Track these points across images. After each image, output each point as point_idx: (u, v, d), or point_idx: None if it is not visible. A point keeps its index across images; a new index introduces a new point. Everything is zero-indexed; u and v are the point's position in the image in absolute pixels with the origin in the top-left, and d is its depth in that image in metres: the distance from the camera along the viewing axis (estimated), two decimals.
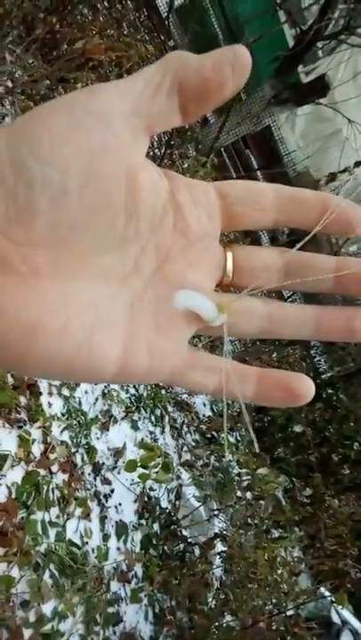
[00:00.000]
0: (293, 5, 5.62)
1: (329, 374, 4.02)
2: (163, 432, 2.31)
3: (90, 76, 2.56)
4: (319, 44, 4.98)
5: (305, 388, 0.25)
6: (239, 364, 0.26)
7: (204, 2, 4.82)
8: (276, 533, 2.62)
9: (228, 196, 0.24)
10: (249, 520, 2.37)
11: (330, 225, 0.24)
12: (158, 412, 2.41)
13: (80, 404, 1.90)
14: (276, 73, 4.58)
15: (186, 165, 3.22)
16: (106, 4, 3.41)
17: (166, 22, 4.61)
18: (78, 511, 1.70)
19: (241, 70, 0.21)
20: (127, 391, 2.26)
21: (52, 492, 1.63)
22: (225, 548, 2.01)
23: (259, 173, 5.03)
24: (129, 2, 3.97)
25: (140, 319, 0.23)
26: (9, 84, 2.07)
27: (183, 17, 4.86)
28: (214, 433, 2.58)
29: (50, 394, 1.77)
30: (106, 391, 2.09)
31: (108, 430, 2.00)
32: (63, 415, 1.80)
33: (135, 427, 2.15)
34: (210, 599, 1.95)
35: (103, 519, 1.80)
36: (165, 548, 2.00)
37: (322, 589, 2.58)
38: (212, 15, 4.99)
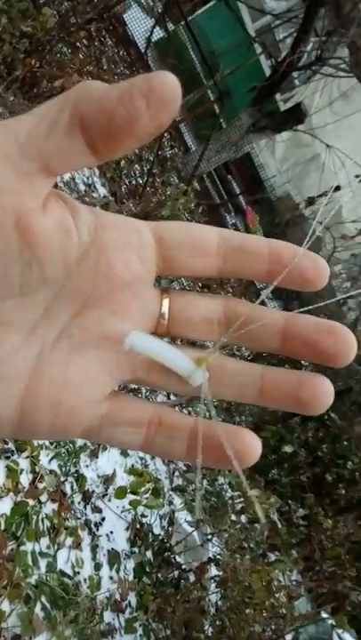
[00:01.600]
0: (268, 38, 5.85)
1: None
2: (153, 457, 2.30)
3: None
4: (295, 74, 5.18)
5: (246, 448, 0.22)
6: (171, 414, 0.23)
7: (181, 36, 5.01)
8: (272, 557, 2.59)
9: (165, 238, 0.22)
10: (244, 544, 2.35)
11: (284, 280, 0.22)
12: None
13: None
14: (253, 102, 4.74)
15: (168, 193, 3.30)
16: (85, 42, 3.54)
17: (145, 57, 4.78)
18: (69, 541, 1.69)
19: (160, 103, 0.17)
20: None
21: (42, 522, 1.62)
22: (219, 573, 1.99)
23: (241, 198, 5.15)
24: (108, 39, 4.12)
25: (47, 372, 0.21)
26: None
27: (161, 51, 5.04)
28: None
29: None
30: None
31: (97, 457, 1.99)
32: (51, 444, 1.79)
33: (125, 453, 2.14)
34: (206, 626, 1.92)
35: (95, 548, 1.78)
36: (159, 575, 1.97)
37: (322, 613, 2.54)
38: (190, 49, 5.18)
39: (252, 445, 0.22)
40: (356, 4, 4.45)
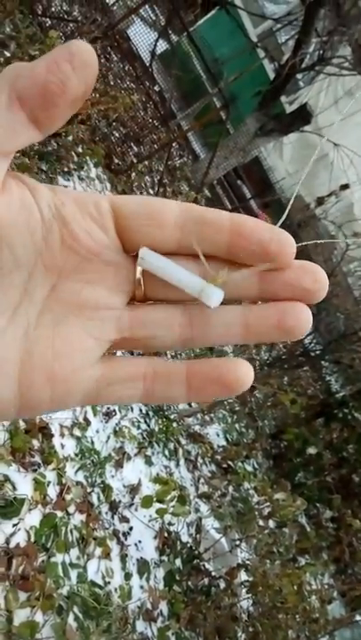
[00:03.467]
0: (270, 42, 5.88)
1: (342, 394, 3.99)
2: (178, 465, 2.31)
3: (80, 128, 2.70)
4: (299, 75, 5.19)
5: (239, 375, 0.23)
6: (164, 364, 0.24)
7: (184, 47, 5.06)
8: (303, 561, 2.57)
9: (121, 208, 0.23)
10: (273, 548, 2.34)
11: (245, 254, 0.22)
12: (171, 445, 2.42)
13: (92, 443, 1.92)
14: (259, 106, 4.76)
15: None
16: None
17: (150, 69, 4.84)
18: (98, 551, 1.70)
19: (83, 65, 0.19)
20: (138, 427, 2.29)
21: (71, 534, 1.64)
22: (249, 579, 1.99)
23: (253, 202, 5.16)
24: (113, 55, 4.19)
25: (36, 348, 0.22)
26: None
27: (166, 63, 5.10)
28: (230, 462, 2.58)
29: (62, 435, 1.80)
30: (117, 429, 2.12)
31: (122, 467, 2.01)
32: (76, 455, 1.82)
33: (149, 462, 2.16)
34: (239, 633, 1.91)
35: (124, 558, 1.80)
36: (189, 583, 1.98)
37: (357, 616, 2.50)
38: (194, 59, 5.23)
39: (243, 372, 0.23)
40: (355, 2, 4.45)
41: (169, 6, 4.10)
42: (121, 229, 0.23)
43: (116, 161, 3.11)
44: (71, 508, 1.69)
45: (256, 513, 2.32)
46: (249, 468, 2.82)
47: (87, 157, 2.73)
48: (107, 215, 0.22)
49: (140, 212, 0.23)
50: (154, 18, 5.36)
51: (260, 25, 5.89)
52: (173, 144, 3.84)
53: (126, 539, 1.87)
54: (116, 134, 3.33)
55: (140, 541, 1.92)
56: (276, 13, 5.59)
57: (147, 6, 4.73)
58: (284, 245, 0.22)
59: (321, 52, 4.26)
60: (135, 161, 3.25)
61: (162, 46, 5.10)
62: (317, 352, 3.27)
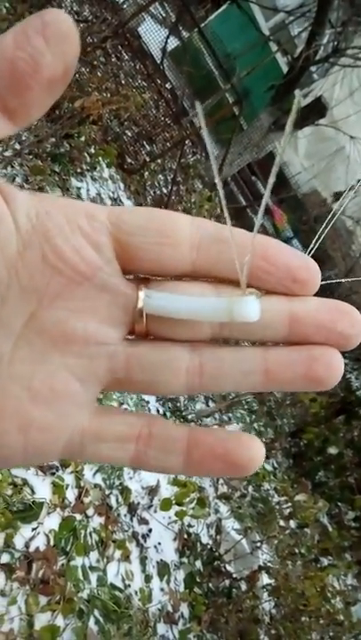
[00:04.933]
0: (283, 35, 5.81)
1: None
2: None
3: (92, 129, 2.69)
4: (313, 68, 5.11)
5: (250, 455, 0.19)
6: (163, 425, 0.20)
7: (195, 43, 5.03)
8: (325, 562, 2.53)
9: (123, 221, 0.19)
10: (295, 549, 2.31)
11: (269, 281, 0.19)
12: None
13: None
14: (273, 100, 4.71)
15: (193, 200, 3.31)
16: (102, 60, 3.60)
17: (161, 67, 4.82)
18: (118, 554, 1.70)
19: (59, 37, 0.16)
20: None
21: (90, 537, 1.63)
22: (271, 581, 1.96)
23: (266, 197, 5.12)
24: (124, 54, 4.18)
25: (9, 389, 0.19)
26: (17, 146, 2.19)
27: (177, 60, 5.08)
28: None
29: None
30: None
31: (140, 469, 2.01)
32: None
33: None
34: (261, 635, 1.89)
35: (144, 560, 1.79)
36: (210, 585, 1.96)
37: None
38: (206, 54, 5.19)
39: (255, 451, 0.20)
40: None
41: (179, 3, 4.07)
42: (122, 247, 0.19)
43: (129, 160, 3.10)
44: (90, 511, 1.69)
45: (277, 513, 2.29)
46: (269, 468, 2.79)
47: (100, 158, 2.72)
48: (102, 230, 0.19)
49: (149, 228, 0.19)
50: (164, 15, 5.34)
51: (273, 18, 5.82)
52: (186, 141, 3.81)
53: (146, 541, 1.86)
54: (129, 133, 3.32)
55: (159, 543, 1.90)
56: (288, 5, 5.51)
57: (157, 3, 4.71)
58: (313, 273, 0.19)
59: (335, 43, 4.19)
60: (148, 160, 3.24)
61: (173, 43, 5.08)
62: None
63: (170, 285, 0.20)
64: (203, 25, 4.89)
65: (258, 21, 5.43)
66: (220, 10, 5.47)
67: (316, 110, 4.71)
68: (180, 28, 5.10)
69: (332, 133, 4.99)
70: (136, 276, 0.20)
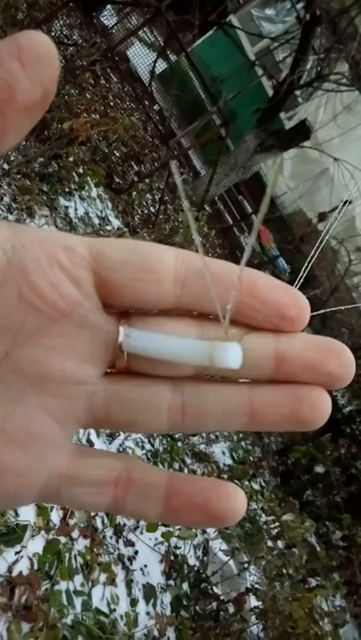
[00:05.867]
0: (268, 60, 5.96)
1: (349, 409, 3.96)
2: None
3: (81, 149, 2.72)
4: (298, 92, 5.24)
5: (230, 506, 0.19)
6: (143, 470, 0.20)
7: (183, 66, 5.13)
8: (313, 582, 2.51)
9: (104, 256, 0.18)
10: (283, 570, 2.29)
11: (257, 317, 0.19)
12: (177, 465, 2.38)
13: None
14: (258, 123, 4.81)
15: (180, 219, 3.35)
16: (91, 82, 3.66)
17: (149, 89, 4.90)
18: (103, 577, 1.67)
19: (36, 61, 0.15)
20: (142, 447, 2.26)
21: (75, 560, 1.60)
22: (258, 603, 1.94)
23: (253, 217, 5.19)
24: (113, 76, 4.25)
25: None
26: (5, 166, 2.21)
27: (165, 82, 5.17)
28: (237, 481, 2.53)
29: None
30: (121, 449, 2.09)
31: None
32: None
33: None
34: None
35: (129, 583, 1.76)
36: (197, 608, 1.93)
37: None
38: (193, 78, 5.30)
39: (236, 502, 0.19)
40: (351, 21, 4.52)
41: (167, 27, 4.17)
42: (103, 282, 0.18)
43: (117, 180, 3.13)
44: (75, 534, 1.66)
45: (265, 533, 2.28)
46: (256, 487, 2.78)
47: (88, 177, 2.75)
48: (82, 264, 0.18)
49: (131, 263, 0.18)
50: (152, 39, 5.45)
51: (258, 44, 5.98)
52: (174, 161, 3.86)
53: (132, 563, 1.83)
54: (117, 154, 3.36)
55: (145, 566, 1.88)
56: (272, 32, 5.67)
57: (145, 28, 4.81)
58: (303, 310, 0.19)
59: (318, 68, 4.31)
60: (136, 180, 3.27)
61: (161, 66, 5.17)
62: None
63: (152, 322, 0.19)
64: (190, 49, 4.99)
65: (244, 47, 5.57)
66: (207, 35, 5.61)
67: (300, 133, 4.81)
68: (168, 52, 5.21)
69: (317, 155, 5.10)
70: (119, 311, 0.19)
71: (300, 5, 5.31)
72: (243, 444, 2.96)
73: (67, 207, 2.58)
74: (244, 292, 0.18)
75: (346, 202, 3.10)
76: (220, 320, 0.18)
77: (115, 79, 4.35)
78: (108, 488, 0.19)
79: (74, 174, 2.70)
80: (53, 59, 0.15)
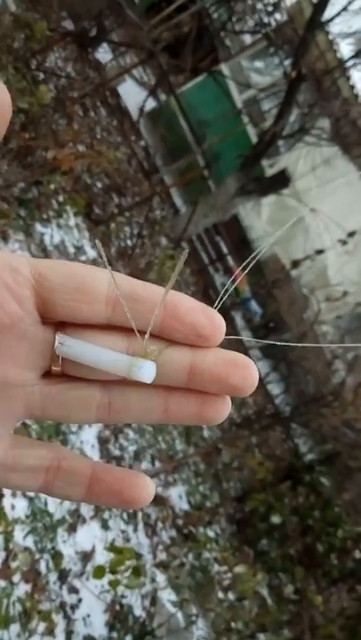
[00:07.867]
0: (254, 109, 6.19)
1: (309, 457, 3.96)
2: (136, 530, 2.20)
3: (63, 178, 2.72)
4: (280, 142, 5.44)
5: (140, 494, 0.22)
6: (70, 459, 0.23)
7: (172, 106, 5.27)
8: (262, 638, 2.43)
9: (46, 278, 0.20)
10: (232, 624, 2.22)
11: (176, 335, 0.21)
12: None
13: (46, 504, 1.81)
14: (241, 167, 4.94)
15: (157, 255, 3.36)
16: (80, 113, 3.70)
17: (137, 125, 5.00)
18: (42, 627, 1.57)
19: None
20: None
21: (13, 606, 1.51)
22: None
23: (230, 258, 5.27)
24: (102, 109, 4.32)
25: None
26: None
27: (153, 120, 5.29)
28: (192, 528, 2.47)
29: (13, 495, 1.70)
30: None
31: (75, 532, 1.90)
32: (27, 517, 1.71)
33: (105, 526, 2.05)
34: None
35: (69, 634, 1.66)
36: None
37: None
38: (180, 119, 5.44)
39: (146, 491, 0.22)
40: (335, 81, 4.76)
41: (159, 69, 4.29)
42: (43, 301, 0.21)
43: (97, 211, 3.14)
44: (16, 577, 1.57)
45: (216, 584, 2.21)
46: (211, 534, 2.71)
47: (67, 206, 2.74)
48: (25, 284, 0.20)
49: (68, 286, 0.20)
50: (145, 78, 5.60)
51: (246, 92, 6.21)
52: (155, 197, 3.91)
53: (74, 612, 1.73)
54: (99, 185, 3.38)
55: (88, 615, 1.78)
56: (260, 84, 5.91)
57: (139, 67, 4.94)
58: (217, 329, 0.22)
59: (301, 122, 4.50)
60: (116, 212, 3.28)
61: (150, 104, 5.30)
62: (286, 415, 3.23)
63: (86, 333, 0.22)
64: (180, 91, 5.14)
65: (232, 94, 5.77)
66: (197, 79, 5.80)
67: (280, 181, 4.97)
68: (159, 91, 5.35)
69: (294, 204, 5.26)
70: (55, 322, 0.22)
71: (287, 62, 5.57)
72: (201, 487, 2.90)
73: (43, 234, 2.55)
74: (166, 314, 0.21)
75: (319, 251, 3.18)
76: (145, 336, 0.21)
77: (104, 113, 4.42)
78: (39, 474, 0.22)
79: (53, 202, 2.69)
80: (6, 102, 0.17)
